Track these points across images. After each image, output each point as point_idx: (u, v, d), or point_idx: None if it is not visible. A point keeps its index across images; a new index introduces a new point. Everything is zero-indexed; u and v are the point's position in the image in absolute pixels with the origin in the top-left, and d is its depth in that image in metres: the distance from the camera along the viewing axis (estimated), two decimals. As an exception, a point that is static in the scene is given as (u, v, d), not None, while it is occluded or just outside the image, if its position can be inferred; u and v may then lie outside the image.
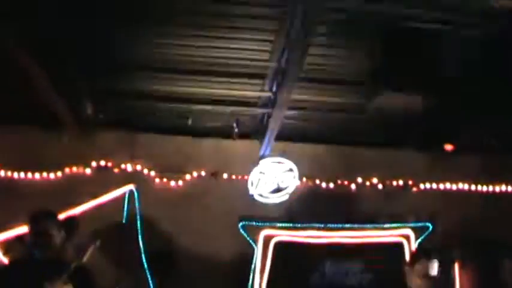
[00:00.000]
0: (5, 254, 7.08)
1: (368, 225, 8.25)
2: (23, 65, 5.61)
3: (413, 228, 8.25)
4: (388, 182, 8.54)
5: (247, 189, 8.15)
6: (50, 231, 4.76)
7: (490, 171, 8.59)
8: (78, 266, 4.62)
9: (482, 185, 8.72)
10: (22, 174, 7.79)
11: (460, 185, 8.68)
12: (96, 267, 4.97)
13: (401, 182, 8.58)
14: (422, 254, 5.92)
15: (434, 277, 4.95)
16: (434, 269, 5.00)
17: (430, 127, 7.63)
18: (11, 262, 5.12)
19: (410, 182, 8.58)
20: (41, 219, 4.79)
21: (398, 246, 8.13)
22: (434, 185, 8.63)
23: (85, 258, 4.74)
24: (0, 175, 7.74)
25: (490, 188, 8.73)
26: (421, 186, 8.60)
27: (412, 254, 7.58)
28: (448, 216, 8.26)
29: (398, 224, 8.26)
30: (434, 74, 5.52)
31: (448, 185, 8.65)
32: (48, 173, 7.85)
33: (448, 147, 7.85)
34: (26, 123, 7.58)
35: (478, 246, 7.82)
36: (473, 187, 8.72)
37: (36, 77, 5.88)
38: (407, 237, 8.20)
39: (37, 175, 7.81)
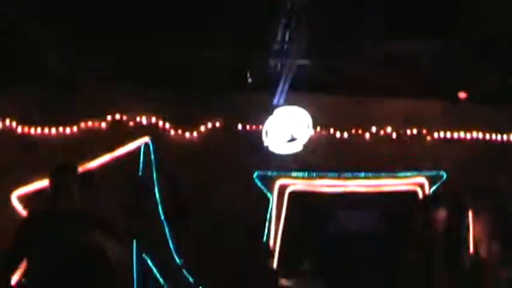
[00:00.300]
0: (25, 207, 7.21)
1: (382, 174, 8.29)
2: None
3: (427, 177, 8.28)
4: (402, 131, 8.56)
5: (261, 140, 8.18)
6: (69, 185, 4.77)
7: (504, 121, 8.58)
8: (98, 217, 4.68)
9: (496, 134, 8.72)
10: (39, 130, 7.82)
11: (474, 134, 8.68)
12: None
13: (415, 131, 8.59)
14: (435, 199, 5.99)
15: (446, 222, 4.98)
16: (445, 214, 5.02)
17: (444, 75, 7.60)
18: (31, 215, 5.14)
19: (424, 131, 8.58)
20: (61, 174, 4.82)
21: (413, 195, 8.19)
22: (448, 134, 8.62)
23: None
24: (17, 132, 7.78)
25: (505, 137, 8.72)
26: (435, 135, 8.60)
27: (425, 200, 7.67)
28: (462, 164, 8.29)
29: (413, 173, 8.29)
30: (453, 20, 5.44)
31: (462, 134, 8.64)
32: (64, 128, 7.88)
33: (462, 95, 7.83)
34: (41, 80, 7.56)
35: (492, 195, 7.83)
36: (487, 136, 8.72)
37: (52, 35, 5.89)
38: (421, 186, 8.24)
39: (53, 130, 7.85)
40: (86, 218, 4.65)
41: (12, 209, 7.36)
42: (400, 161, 8.33)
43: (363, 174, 8.27)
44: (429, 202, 6.03)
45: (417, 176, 8.28)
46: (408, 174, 8.30)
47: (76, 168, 5.04)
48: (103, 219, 4.79)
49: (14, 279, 4.56)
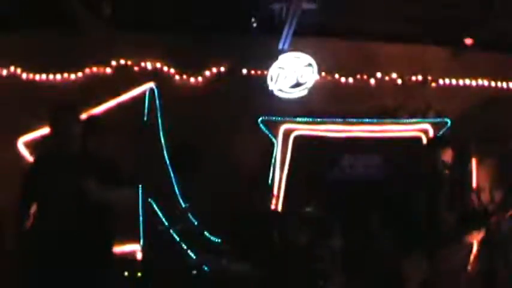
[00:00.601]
0: (32, 153, 7.29)
1: (387, 120, 8.30)
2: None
3: (431, 123, 8.28)
4: (407, 77, 8.52)
5: (266, 85, 8.20)
6: (69, 127, 4.73)
7: (509, 69, 8.51)
8: (103, 160, 4.68)
9: (501, 82, 8.68)
10: (44, 76, 7.84)
11: (480, 81, 8.64)
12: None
13: (420, 77, 8.56)
14: (440, 141, 5.99)
15: (450, 163, 4.97)
16: (450, 154, 5.01)
17: (451, 21, 7.50)
18: (37, 159, 5.14)
19: (429, 77, 8.55)
20: (61, 116, 4.77)
21: (417, 141, 8.19)
22: (453, 81, 8.59)
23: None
24: (22, 78, 7.80)
25: (511, 85, 8.68)
26: (440, 81, 8.57)
27: (430, 142, 7.68)
28: (467, 112, 8.28)
29: (417, 119, 8.29)
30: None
31: (467, 81, 8.61)
32: (69, 74, 7.89)
33: (468, 41, 7.75)
34: (45, 25, 7.54)
35: (495, 142, 7.83)
36: (492, 83, 8.68)
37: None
38: (425, 132, 8.24)
39: (58, 76, 7.86)
40: (88, 162, 4.63)
41: (19, 155, 7.45)
42: (405, 107, 8.32)
43: (367, 119, 8.27)
44: (435, 143, 6.01)
45: (422, 122, 8.29)
46: (413, 120, 8.30)
47: (76, 109, 4.97)
48: (107, 163, 4.79)
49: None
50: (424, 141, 8.13)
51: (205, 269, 6.99)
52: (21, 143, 7.52)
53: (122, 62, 8.02)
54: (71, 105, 5.01)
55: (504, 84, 8.67)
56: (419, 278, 4.87)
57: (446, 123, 8.29)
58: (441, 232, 5.00)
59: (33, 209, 4.67)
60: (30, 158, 7.23)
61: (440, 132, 8.24)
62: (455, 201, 5.07)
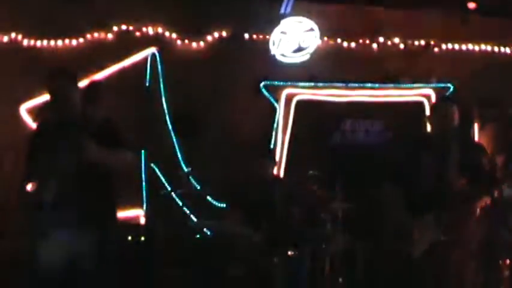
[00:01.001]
0: (35, 120, 7.29)
1: (389, 85, 8.28)
2: None
3: (434, 88, 8.25)
4: (409, 42, 8.49)
5: (268, 49, 8.18)
6: (67, 91, 4.61)
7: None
8: (103, 123, 4.68)
9: (504, 47, 8.64)
10: (45, 42, 7.80)
11: (482, 47, 8.60)
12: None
13: (423, 42, 8.52)
14: (443, 99, 5.95)
15: (453, 119, 4.92)
16: (454, 110, 4.96)
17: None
18: (38, 126, 5.12)
19: (432, 43, 8.51)
20: (57, 78, 4.66)
21: (419, 106, 8.19)
22: (456, 46, 8.56)
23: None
24: (23, 44, 7.75)
25: (513, 50, 8.66)
26: (443, 46, 8.54)
27: (433, 103, 7.67)
28: (469, 77, 8.23)
29: (420, 84, 8.26)
30: None
31: (470, 46, 8.58)
32: (70, 40, 7.85)
33: (471, 5, 7.70)
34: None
35: (498, 107, 7.82)
36: (495, 49, 8.64)
37: None
38: (428, 97, 8.22)
39: (59, 42, 7.82)
40: (88, 127, 4.60)
41: (22, 122, 7.49)
42: (407, 72, 8.29)
43: (369, 84, 8.25)
44: (445, 101, 5.98)
45: (424, 87, 8.26)
46: (415, 85, 8.28)
47: (72, 73, 4.81)
48: (108, 127, 4.76)
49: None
50: (426, 107, 8.13)
51: (208, 233, 7.09)
52: (23, 110, 7.55)
53: (124, 27, 7.96)
54: (67, 70, 4.88)
55: (507, 50, 8.63)
56: (428, 241, 4.82)
57: (449, 88, 8.26)
58: (451, 194, 4.95)
59: (36, 176, 4.70)
60: (33, 125, 7.25)
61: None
62: (464, 163, 4.99)
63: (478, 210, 5.16)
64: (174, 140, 7.93)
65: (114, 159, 4.54)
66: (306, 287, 6.28)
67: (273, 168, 6.82)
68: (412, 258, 4.83)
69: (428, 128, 5.11)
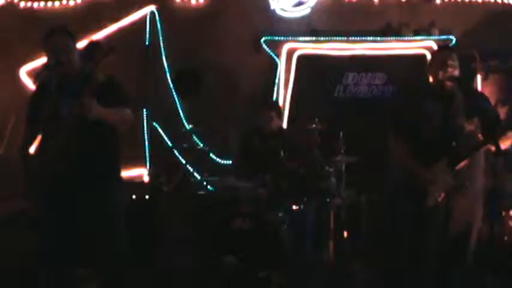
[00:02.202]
0: (35, 82, 7.26)
1: (390, 38, 8.19)
2: None
3: (436, 41, 8.12)
4: (411, -6, 8.37)
5: (268, 4, 8.12)
6: (65, 43, 4.59)
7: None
8: (105, 80, 4.62)
9: (508, -2, 8.50)
10: (42, 4, 7.77)
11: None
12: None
13: (425, -6, 8.40)
14: (443, 48, 5.87)
15: (453, 66, 4.87)
16: (453, 57, 4.90)
17: None
18: (38, 86, 5.08)
19: (434, -5, 8.39)
20: (55, 34, 4.64)
21: (421, 58, 8.06)
22: (459, -2, 8.44)
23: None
24: (20, 6, 7.74)
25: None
26: (445, -2, 8.42)
27: (432, 52, 7.62)
28: (472, 29, 8.14)
29: (421, 37, 8.18)
30: None
31: (473, -2, 8.44)
32: (68, 0, 7.81)
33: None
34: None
35: (501, 58, 7.75)
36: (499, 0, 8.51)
37: None
38: (430, 49, 8.14)
39: (57, 3, 7.80)
40: (87, 84, 4.56)
41: (22, 85, 7.47)
42: (409, 25, 8.19)
43: (371, 37, 8.16)
44: (439, 51, 5.89)
45: (426, 39, 8.17)
46: (417, 37, 8.18)
47: (68, 31, 4.75)
48: (107, 84, 4.70)
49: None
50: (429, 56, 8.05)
51: (211, 189, 7.12)
52: (23, 72, 7.53)
53: (122, -14, 7.92)
54: (65, 27, 4.82)
55: (510, 0, 8.48)
56: (442, 189, 4.78)
57: (451, 40, 8.17)
58: (461, 139, 4.89)
59: (37, 137, 4.68)
60: (32, 87, 7.23)
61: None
62: (470, 108, 4.93)
63: (484, 158, 5.14)
64: (176, 97, 7.94)
65: (117, 117, 4.53)
66: (311, 241, 6.34)
67: (277, 119, 6.78)
68: (424, 208, 4.79)
69: (430, 79, 5.01)
